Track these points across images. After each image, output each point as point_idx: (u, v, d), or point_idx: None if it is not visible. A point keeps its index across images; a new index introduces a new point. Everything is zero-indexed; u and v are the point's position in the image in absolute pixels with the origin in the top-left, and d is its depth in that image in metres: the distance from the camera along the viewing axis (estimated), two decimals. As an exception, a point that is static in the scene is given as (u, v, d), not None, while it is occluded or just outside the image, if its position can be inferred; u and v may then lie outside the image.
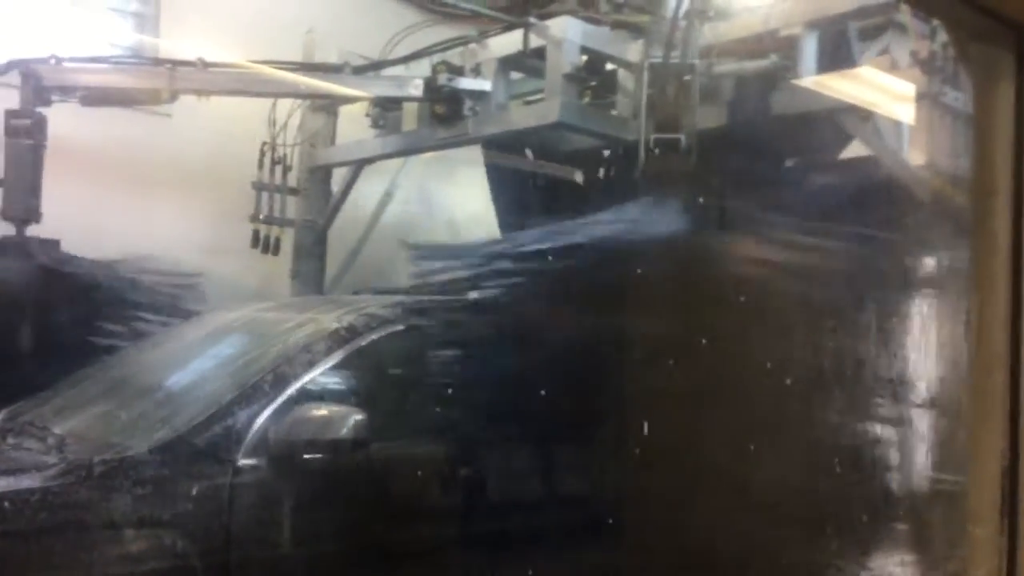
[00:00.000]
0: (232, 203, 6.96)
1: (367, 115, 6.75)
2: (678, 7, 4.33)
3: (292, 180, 7.10)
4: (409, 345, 3.79)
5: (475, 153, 7.01)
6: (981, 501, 1.88)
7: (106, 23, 7.29)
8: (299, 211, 7.13)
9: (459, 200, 8.58)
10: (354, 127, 7.07)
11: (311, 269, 7.12)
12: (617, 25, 5.97)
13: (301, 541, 3.23)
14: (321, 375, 3.42)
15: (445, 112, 6.15)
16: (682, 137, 4.27)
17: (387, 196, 7.53)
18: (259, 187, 6.94)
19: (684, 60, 4.34)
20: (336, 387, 3.50)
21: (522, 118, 6.05)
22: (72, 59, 5.84)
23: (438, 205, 8.57)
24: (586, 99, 6.22)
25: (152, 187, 6.86)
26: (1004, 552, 1.86)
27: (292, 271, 7.09)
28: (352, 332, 3.59)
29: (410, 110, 6.59)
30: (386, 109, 6.68)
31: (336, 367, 3.50)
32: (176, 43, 6.75)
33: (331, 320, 3.68)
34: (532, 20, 5.88)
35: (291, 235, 7.13)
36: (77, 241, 5.72)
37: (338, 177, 7.27)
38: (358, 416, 3.18)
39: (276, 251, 6.95)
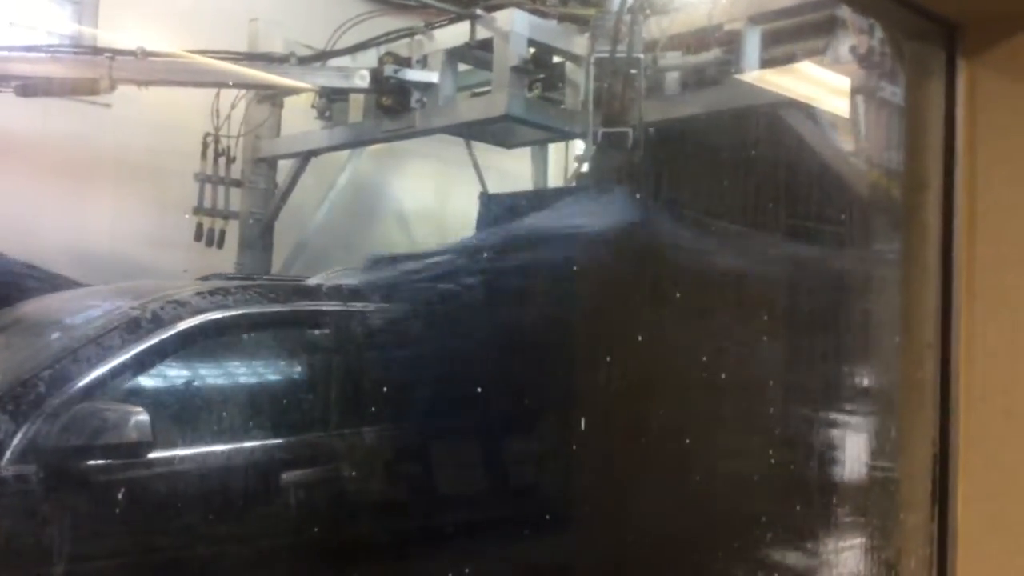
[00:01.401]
0: (175, 195, 6.83)
1: (313, 106, 6.68)
2: (623, 2, 4.34)
3: (236, 172, 6.99)
4: (226, 338, 3.35)
5: (423, 144, 6.98)
6: (913, 489, 1.92)
7: (44, 11, 7.10)
8: (244, 203, 7.03)
9: (407, 192, 8.55)
10: (300, 118, 6.99)
11: (256, 262, 7.02)
12: (564, 18, 5.98)
13: (73, 559, 2.81)
14: (112, 370, 3.00)
15: (392, 104, 6.12)
16: (629, 131, 4.28)
17: (334, 188, 7.45)
18: (202, 179, 6.83)
19: (629, 54, 4.34)
20: (129, 385, 3.04)
21: (469, 110, 6.03)
22: (7, 47, 5.67)
23: (386, 197, 8.53)
24: (535, 92, 6.22)
25: (91, 179, 6.71)
26: (935, 539, 1.90)
27: (236, 264, 6.98)
28: (156, 322, 3.15)
29: (357, 102, 6.54)
30: (332, 100, 6.61)
31: (133, 361, 3.05)
32: (116, 32, 6.60)
33: (134, 308, 3.21)
34: (479, 12, 5.86)
35: (236, 228, 7.02)
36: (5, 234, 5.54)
37: (284, 169, 7.18)
38: (140, 417, 2.80)
39: (220, 244, 6.85)
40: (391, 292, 3.82)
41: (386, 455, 3.48)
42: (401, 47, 6.17)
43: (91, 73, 5.69)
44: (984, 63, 1.95)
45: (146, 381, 3.10)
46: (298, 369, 3.61)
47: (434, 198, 8.32)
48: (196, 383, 3.26)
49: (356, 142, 6.76)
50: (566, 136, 6.61)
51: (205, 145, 6.80)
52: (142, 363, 3.07)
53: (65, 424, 2.78)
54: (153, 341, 3.10)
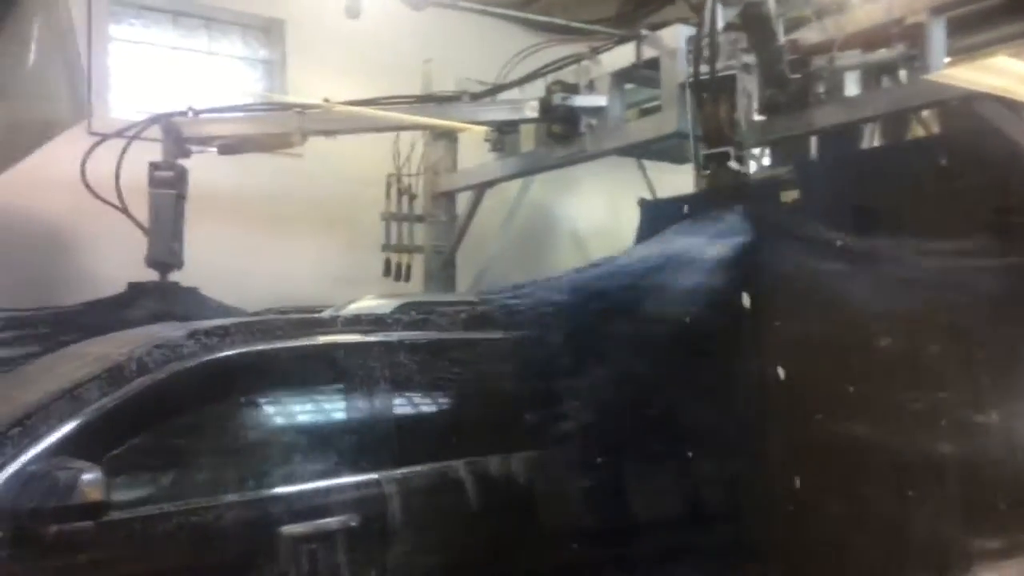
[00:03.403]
0: (364, 235, 7.23)
1: (486, 139, 6.88)
2: (711, 20, 4.19)
3: (418, 208, 7.30)
4: (218, 383, 2.98)
5: (594, 166, 7.03)
6: None
7: (238, 74, 7.70)
8: (426, 237, 7.33)
9: (581, 213, 8.63)
10: (475, 151, 7.23)
11: (441, 292, 7.30)
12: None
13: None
14: (84, 423, 2.71)
15: (562, 130, 6.21)
16: (730, 151, 4.11)
17: (510, 216, 7.63)
18: (387, 217, 7.19)
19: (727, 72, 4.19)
20: (99, 437, 2.73)
21: (639, 131, 6.03)
22: (208, 110, 6.18)
23: (561, 219, 8.65)
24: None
25: (289, 226, 7.21)
26: None
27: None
28: (142, 368, 2.84)
29: (528, 131, 6.68)
30: (504, 132, 6.79)
31: (110, 411, 2.76)
32: (302, 88, 7.06)
33: (120, 354, 2.92)
34: (644, 32, 5.86)
35: (420, 261, 7.33)
36: (223, 284, 6.03)
37: (462, 201, 7.43)
38: (89, 475, 2.52)
39: (407, 277, 7.17)
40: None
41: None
42: (568, 74, 6.26)
43: (283, 128, 6.12)
44: None
45: (116, 431, 2.79)
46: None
47: (607, 216, 8.35)
48: (165, 433, 2.90)
49: (529, 170, 6.90)
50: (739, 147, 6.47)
51: (388, 185, 7.16)
52: (117, 412, 2.78)
53: (23, 485, 2.56)
54: (136, 390, 2.81)
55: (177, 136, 6.02)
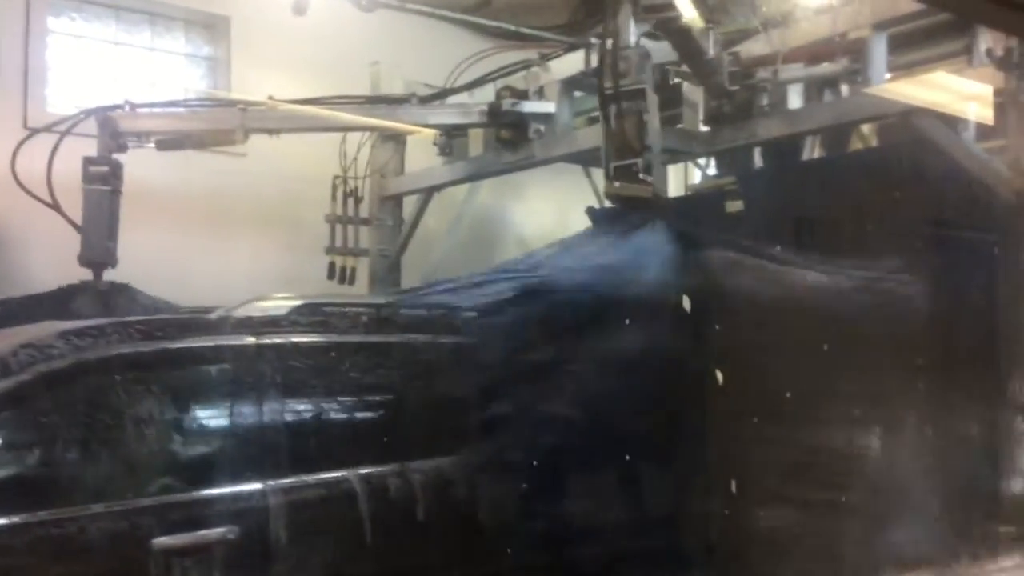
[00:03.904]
0: (308, 237, 7.12)
1: (434, 143, 6.84)
2: (610, 39, 4.28)
3: (364, 211, 7.22)
4: (87, 386, 2.79)
5: (541, 173, 7.03)
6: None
7: (181, 70, 7.54)
8: (372, 241, 7.25)
9: (527, 220, 8.62)
10: (422, 155, 7.18)
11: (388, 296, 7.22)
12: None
13: None
14: None
15: (510, 136, 6.21)
16: (638, 162, 4.20)
17: (457, 220, 7.59)
18: (333, 220, 7.09)
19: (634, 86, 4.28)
20: None
21: (587, 138, 6.03)
22: (146, 104, 6.01)
23: (508, 225, 8.63)
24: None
25: (230, 226, 7.07)
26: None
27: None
28: (4, 369, 2.67)
29: (476, 136, 6.66)
30: (452, 136, 6.76)
31: None
32: (246, 87, 6.94)
33: None
34: (594, 40, 5.88)
35: (366, 264, 7.25)
36: (162, 283, 5.88)
37: (409, 205, 7.37)
38: None
39: (352, 281, 7.08)
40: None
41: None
42: (517, 80, 6.25)
43: (224, 125, 5.98)
44: None
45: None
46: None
47: (554, 223, 8.35)
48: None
49: (476, 175, 6.88)
50: (685, 157, 6.54)
51: (334, 187, 7.06)
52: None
53: None
54: None
55: (113, 131, 5.81)
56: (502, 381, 3.38)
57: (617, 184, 4.19)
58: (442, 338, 3.53)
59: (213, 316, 3.25)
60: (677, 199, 6.97)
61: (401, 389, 3.36)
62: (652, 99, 4.40)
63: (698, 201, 6.25)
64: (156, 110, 6.07)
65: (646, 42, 5.53)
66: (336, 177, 7.05)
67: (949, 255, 4.20)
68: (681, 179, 8.06)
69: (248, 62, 7.42)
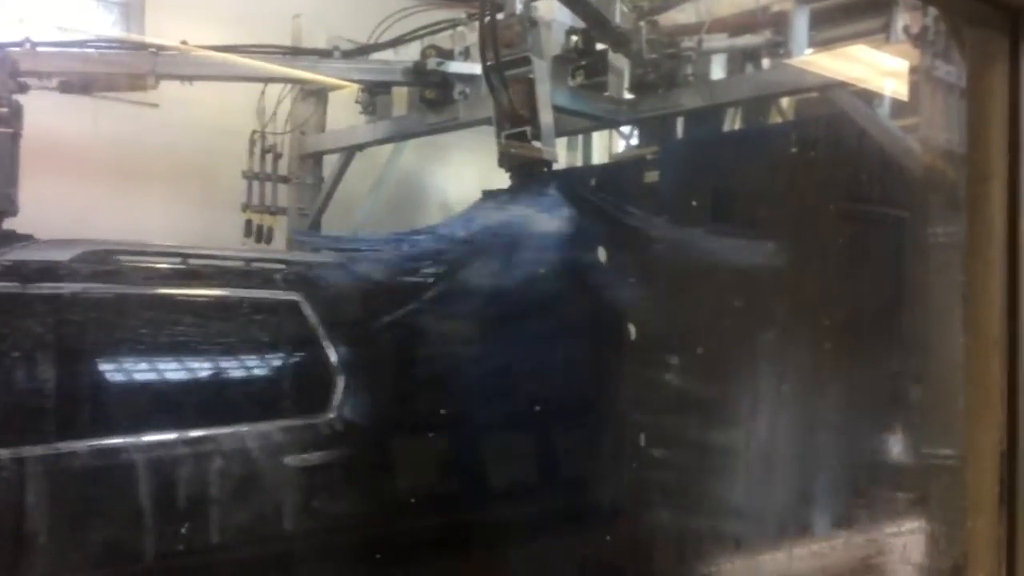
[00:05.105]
0: (223, 193, 6.92)
1: (357, 101, 6.69)
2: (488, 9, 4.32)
3: (283, 168, 7.05)
4: None
5: (468, 136, 6.96)
6: (980, 491, 1.87)
7: (92, 15, 7.20)
8: (291, 199, 7.08)
9: (452, 183, 8.55)
10: (345, 113, 7.02)
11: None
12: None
13: None
14: None
15: (435, 96, 6.11)
16: (527, 130, 4.29)
17: (380, 182, 7.47)
18: (250, 176, 6.90)
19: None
20: None
21: (512, 101, 5.98)
22: (49, 43, 5.70)
23: (431, 188, 8.54)
24: (578, 80, 6.15)
25: (141, 180, 6.81)
26: (1003, 542, 1.85)
27: (286, 259, 7.04)
28: None
29: (400, 95, 6.54)
30: (374, 95, 6.62)
31: None
32: (161, 34, 6.67)
33: None
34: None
35: (284, 223, 7.09)
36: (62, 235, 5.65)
37: (330, 164, 7.22)
38: None
39: (269, 240, 6.92)
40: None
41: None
42: (444, 39, 6.15)
43: (134, 68, 5.73)
44: (1050, 48, 1.89)
45: None
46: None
47: (478, 187, 8.31)
48: None
49: (400, 135, 6.78)
50: (609, 124, 6.55)
51: (252, 143, 6.87)
52: None
53: None
54: None
55: (13, 69, 5.52)
56: (347, 340, 3.22)
57: (509, 151, 4.22)
58: (265, 293, 3.22)
59: None
60: (597, 167, 7.01)
61: (201, 351, 3.04)
62: (540, 66, 4.41)
63: (618, 170, 6.28)
64: (60, 50, 5.75)
65: (560, 6, 5.53)
66: (254, 132, 6.85)
67: (857, 227, 4.31)
68: (606, 148, 8.09)
69: (164, 10, 7.13)
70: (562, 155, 7.60)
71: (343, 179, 7.14)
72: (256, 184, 6.94)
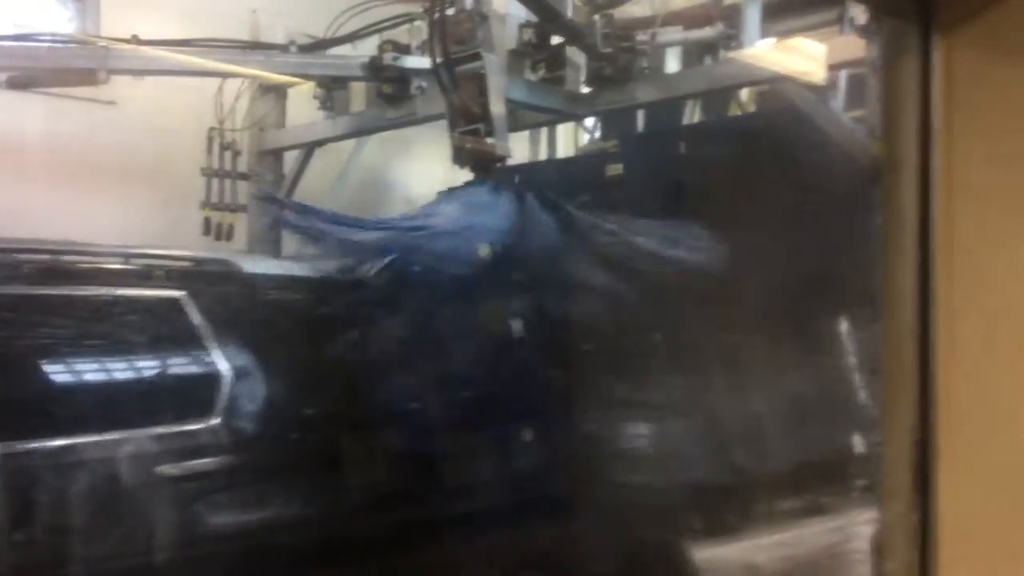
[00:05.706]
0: (182, 191, 6.85)
1: (314, 96, 6.65)
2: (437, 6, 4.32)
3: (242, 165, 6.99)
4: None
5: (428, 130, 6.94)
6: (894, 478, 1.88)
7: (47, 11, 7.11)
8: (251, 197, 7.02)
9: (414, 177, 8.51)
10: (304, 109, 6.97)
11: (266, 254, 7.03)
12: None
13: None
14: None
15: (393, 91, 6.08)
16: (480, 127, 4.30)
17: (342, 178, 7.43)
18: (209, 173, 6.84)
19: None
20: None
21: (470, 95, 5.96)
22: (-5, 38, 5.62)
23: (394, 184, 8.50)
24: (538, 73, 6.13)
25: (98, 178, 6.74)
26: (918, 529, 1.86)
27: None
28: None
29: (358, 91, 6.51)
30: (331, 89, 6.58)
31: None
32: (117, 30, 6.59)
33: None
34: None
35: (245, 220, 7.03)
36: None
37: (290, 160, 7.16)
38: None
39: (229, 237, 6.86)
40: None
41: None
42: (401, 34, 6.12)
43: (85, 64, 5.65)
44: (960, 38, 1.90)
45: None
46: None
47: (442, 182, 8.28)
48: None
49: (359, 131, 6.74)
50: (568, 118, 6.55)
51: (210, 139, 6.80)
52: None
53: None
54: None
55: (-41, 65, 5.46)
56: (238, 340, 3.12)
57: (464, 147, 4.22)
58: (142, 291, 3.06)
59: None
60: (559, 161, 7.01)
61: (66, 353, 2.92)
62: (491, 61, 4.40)
63: (580, 164, 6.28)
64: (7, 44, 5.66)
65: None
66: (212, 129, 6.79)
67: (808, 218, 4.33)
68: (571, 141, 8.09)
69: (120, 6, 7.05)
70: (525, 149, 7.63)
71: (305, 175, 7.09)
72: (215, 182, 6.87)
